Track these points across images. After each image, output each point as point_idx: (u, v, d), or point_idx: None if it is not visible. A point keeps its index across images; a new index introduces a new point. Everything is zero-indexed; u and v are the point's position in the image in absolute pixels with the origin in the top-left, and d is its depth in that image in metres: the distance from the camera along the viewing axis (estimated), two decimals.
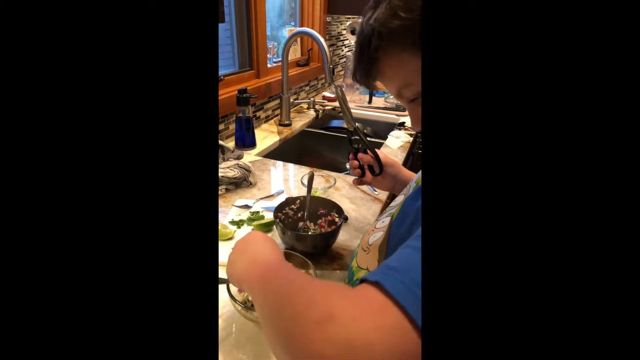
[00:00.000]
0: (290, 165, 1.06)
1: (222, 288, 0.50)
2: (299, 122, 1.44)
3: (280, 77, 1.37)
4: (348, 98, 1.74)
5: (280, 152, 1.26)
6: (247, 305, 0.47)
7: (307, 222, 0.71)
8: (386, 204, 0.87)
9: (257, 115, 1.35)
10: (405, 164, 1.19)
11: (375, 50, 0.39)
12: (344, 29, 2.14)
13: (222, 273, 0.46)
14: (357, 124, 0.67)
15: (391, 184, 0.70)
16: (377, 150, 0.67)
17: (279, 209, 0.70)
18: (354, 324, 0.23)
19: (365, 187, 0.91)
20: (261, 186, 0.92)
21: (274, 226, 0.71)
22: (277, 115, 1.48)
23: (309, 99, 1.58)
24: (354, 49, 0.43)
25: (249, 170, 0.91)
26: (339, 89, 0.65)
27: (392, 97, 1.77)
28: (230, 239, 0.70)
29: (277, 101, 1.46)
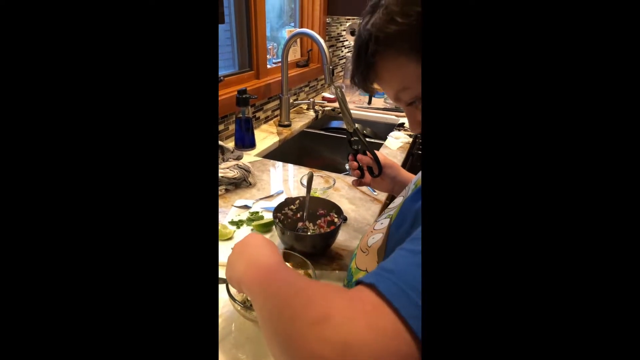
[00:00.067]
0: (290, 166, 1.06)
1: (221, 288, 0.50)
2: (299, 123, 1.44)
3: (280, 78, 1.37)
4: (348, 99, 1.74)
5: (280, 153, 1.26)
6: (247, 305, 0.47)
7: (307, 223, 0.72)
8: (385, 205, 0.88)
9: (257, 116, 1.36)
10: (404, 164, 1.19)
11: (372, 55, 0.39)
12: (344, 30, 2.15)
13: (222, 273, 0.46)
14: (356, 125, 0.68)
15: (390, 185, 0.70)
16: (376, 151, 0.67)
17: (278, 209, 0.70)
18: (349, 325, 0.23)
19: (364, 188, 0.91)
20: (261, 186, 0.92)
21: (274, 226, 0.72)
22: (276, 115, 1.48)
23: (309, 100, 1.59)
24: (350, 61, 0.44)
25: (248, 171, 0.91)
26: (338, 90, 0.66)
27: None
28: (230, 239, 0.70)
29: (277, 102, 1.46)
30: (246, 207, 0.82)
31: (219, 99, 1.10)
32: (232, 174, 0.88)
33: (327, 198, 0.74)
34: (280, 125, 1.39)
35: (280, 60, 1.34)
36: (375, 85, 0.45)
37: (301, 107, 1.64)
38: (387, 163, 0.69)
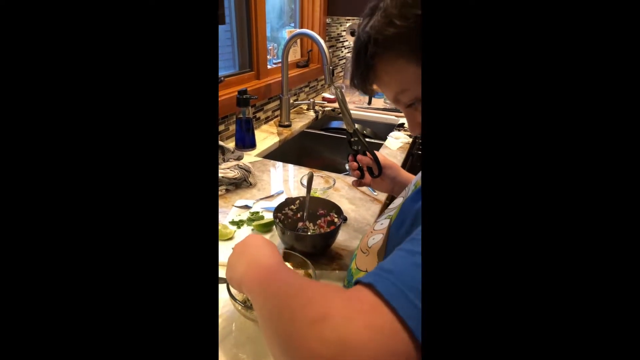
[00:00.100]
0: (290, 166, 1.06)
1: (222, 288, 0.50)
2: (299, 123, 1.45)
3: (280, 79, 1.37)
4: (348, 99, 1.74)
5: (280, 153, 1.27)
6: (247, 305, 0.47)
7: (307, 223, 0.72)
8: (385, 205, 0.88)
9: (257, 116, 1.36)
10: (404, 164, 1.20)
11: (371, 57, 0.40)
12: (344, 31, 2.15)
13: (223, 273, 0.46)
14: (356, 126, 0.68)
15: (390, 185, 0.70)
16: (376, 152, 0.68)
17: (278, 209, 0.70)
18: (348, 324, 0.24)
19: (364, 188, 0.91)
20: (261, 187, 0.92)
21: (274, 226, 0.72)
22: (277, 116, 1.49)
23: (309, 100, 1.59)
24: (349, 61, 0.44)
25: (249, 171, 0.91)
26: (338, 90, 0.66)
27: None
28: (231, 239, 0.71)
29: (277, 102, 1.47)
30: (247, 207, 0.82)
31: (220, 99, 1.11)
32: (233, 174, 0.88)
33: (327, 198, 0.74)
34: (280, 126, 1.39)
35: (280, 60, 1.35)
36: (375, 87, 0.45)
37: (301, 108, 1.65)
38: (387, 164, 0.69)
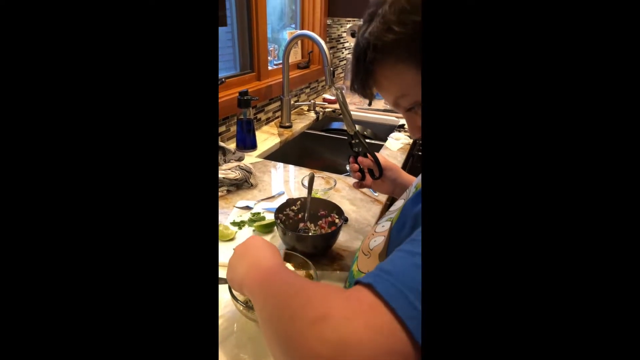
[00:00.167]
0: (291, 167, 1.07)
1: (224, 288, 0.51)
2: (300, 124, 1.45)
3: (281, 80, 1.38)
4: (348, 100, 1.75)
5: (281, 154, 1.27)
6: (249, 305, 0.47)
7: (308, 223, 0.72)
8: (385, 206, 0.88)
9: (258, 117, 1.36)
10: (404, 165, 1.20)
11: (371, 63, 0.40)
12: (344, 32, 2.15)
13: (224, 274, 0.46)
14: (357, 127, 0.68)
15: (391, 187, 0.71)
16: (377, 154, 0.68)
17: (279, 210, 0.70)
18: (347, 324, 0.24)
19: (365, 189, 0.91)
20: (262, 187, 0.92)
21: (275, 227, 0.72)
22: (277, 117, 1.49)
23: (310, 101, 1.59)
24: (350, 60, 0.45)
25: (250, 172, 0.91)
26: (339, 92, 0.66)
27: None
28: (232, 239, 0.71)
29: (278, 103, 1.47)
30: (248, 208, 0.82)
31: (220, 100, 1.11)
32: (234, 175, 0.88)
33: (328, 199, 0.75)
34: (281, 127, 1.39)
35: (281, 61, 1.35)
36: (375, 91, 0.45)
37: (302, 109, 1.65)
38: (387, 165, 0.69)
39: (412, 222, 0.43)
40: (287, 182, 0.98)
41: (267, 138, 1.28)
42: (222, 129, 1.18)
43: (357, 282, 0.28)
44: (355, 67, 0.43)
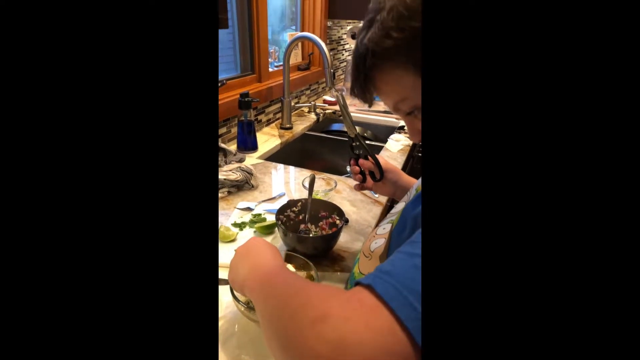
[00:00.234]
0: (292, 168, 1.07)
1: (225, 289, 0.51)
2: (300, 126, 1.45)
3: (282, 81, 1.38)
4: (348, 102, 1.75)
5: (282, 155, 1.27)
6: (250, 306, 0.47)
7: (309, 225, 0.72)
8: (386, 207, 0.88)
9: (259, 119, 1.37)
10: (404, 167, 1.20)
11: (370, 68, 0.41)
12: (345, 34, 2.16)
13: (226, 275, 0.47)
14: (357, 128, 0.68)
15: (392, 189, 0.71)
16: (377, 156, 0.68)
17: (280, 212, 0.71)
18: (346, 324, 0.24)
19: (365, 190, 0.92)
20: (263, 189, 0.93)
21: (276, 228, 0.72)
22: (278, 118, 1.49)
23: (310, 103, 1.60)
24: (350, 66, 0.45)
25: (250, 173, 0.92)
26: (340, 94, 0.67)
27: None
28: (233, 240, 0.71)
29: (279, 105, 1.47)
30: (249, 209, 0.82)
31: (221, 102, 1.11)
32: (235, 176, 0.88)
33: (329, 200, 0.75)
34: (281, 128, 1.40)
35: (281, 63, 1.35)
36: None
37: (302, 110, 1.65)
38: (388, 168, 0.70)
39: (412, 223, 0.44)
40: (287, 183, 0.98)
41: (268, 139, 1.29)
42: (222, 130, 1.18)
43: (357, 283, 0.28)
44: (355, 73, 0.43)
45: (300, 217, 0.73)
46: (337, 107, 1.68)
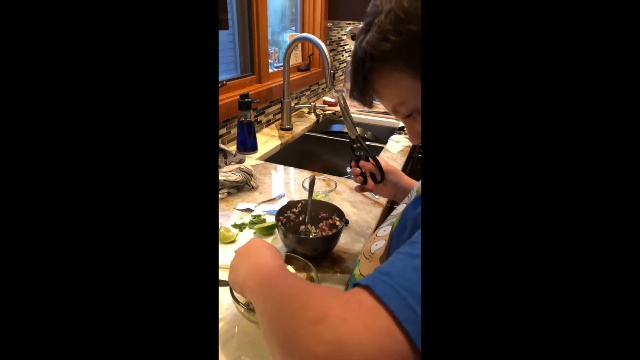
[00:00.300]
0: (292, 169, 1.07)
1: (225, 291, 0.51)
2: (300, 127, 1.45)
3: (282, 82, 1.38)
4: (349, 102, 1.75)
5: (282, 156, 1.27)
6: (250, 307, 0.47)
7: (309, 226, 0.72)
8: (386, 208, 0.88)
9: (259, 120, 1.37)
10: (405, 168, 1.20)
11: (369, 72, 0.41)
12: (345, 35, 2.16)
13: (226, 276, 0.47)
14: (357, 129, 0.68)
15: (392, 191, 0.71)
16: (378, 157, 0.68)
17: (280, 213, 0.71)
18: (345, 325, 0.24)
19: (366, 192, 0.92)
20: (263, 190, 0.92)
21: (276, 229, 0.72)
22: (278, 119, 1.49)
23: (310, 104, 1.60)
24: (349, 69, 0.45)
25: (250, 174, 0.92)
26: (340, 96, 0.67)
27: None
28: (233, 242, 0.71)
29: (279, 106, 1.47)
30: (249, 210, 0.82)
31: (221, 103, 1.11)
32: (235, 177, 0.88)
33: (329, 201, 0.75)
34: (281, 129, 1.40)
35: (281, 64, 1.35)
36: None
37: (302, 111, 1.65)
38: (389, 169, 0.70)
39: (412, 224, 0.44)
40: (287, 184, 0.98)
41: (268, 140, 1.29)
42: (222, 131, 1.18)
43: (356, 284, 0.28)
44: (354, 76, 0.43)
45: (300, 218, 0.73)
46: (337, 108, 1.68)
